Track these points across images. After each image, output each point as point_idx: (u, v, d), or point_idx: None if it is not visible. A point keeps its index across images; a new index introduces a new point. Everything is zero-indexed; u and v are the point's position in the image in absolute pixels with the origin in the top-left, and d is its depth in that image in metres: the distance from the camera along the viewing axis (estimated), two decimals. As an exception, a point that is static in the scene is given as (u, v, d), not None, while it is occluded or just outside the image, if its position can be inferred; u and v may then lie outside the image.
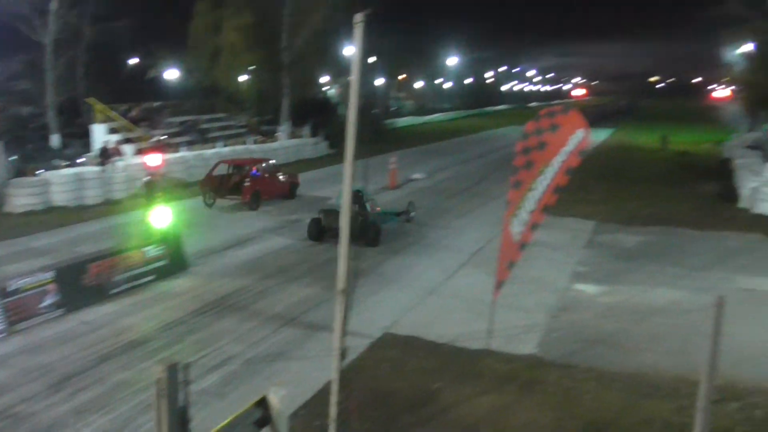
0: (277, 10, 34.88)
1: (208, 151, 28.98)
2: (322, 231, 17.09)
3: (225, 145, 31.04)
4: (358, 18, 5.44)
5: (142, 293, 12.95)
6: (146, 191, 20.20)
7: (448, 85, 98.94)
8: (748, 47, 31.25)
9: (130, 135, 28.47)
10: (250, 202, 21.39)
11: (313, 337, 10.84)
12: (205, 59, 35.56)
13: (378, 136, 43.46)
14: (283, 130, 36.41)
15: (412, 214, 19.90)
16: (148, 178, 20.84)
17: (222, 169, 22.90)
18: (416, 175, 28.96)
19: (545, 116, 9.78)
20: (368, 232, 16.50)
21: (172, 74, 38.66)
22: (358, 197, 16.21)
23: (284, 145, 34.38)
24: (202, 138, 32.75)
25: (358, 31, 5.52)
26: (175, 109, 36.03)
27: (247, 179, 21.80)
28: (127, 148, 26.31)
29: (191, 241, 15.53)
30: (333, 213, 16.46)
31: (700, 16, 28.18)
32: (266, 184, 22.37)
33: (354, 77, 5.57)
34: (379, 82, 73.76)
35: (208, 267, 14.88)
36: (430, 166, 32.59)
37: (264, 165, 22.98)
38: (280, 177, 23.42)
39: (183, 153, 28.14)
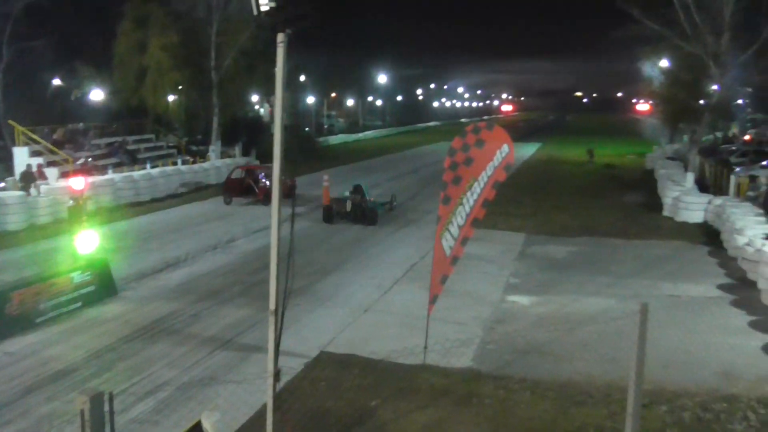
0: (204, 29, 34.53)
1: (137, 173, 28.37)
2: (332, 215, 22.53)
3: (154, 166, 30.42)
4: (281, 38, 5.45)
5: (69, 321, 12.52)
6: (71, 215, 19.56)
7: (379, 102, 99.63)
8: (665, 63, 32.53)
9: (54, 158, 27.65)
10: (264, 200, 24.73)
11: (248, 359, 10.68)
12: (132, 79, 34.85)
13: (310, 154, 43.41)
14: (214, 150, 35.93)
15: (395, 203, 24.98)
16: (72, 202, 20.20)
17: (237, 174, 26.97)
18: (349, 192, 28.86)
19: (471, 132, 9.95)
20: (368, 215, 22.07)
21: (97, 95, 37.74)
22: (359, 190, 23.35)
23: (215, 165, 33.91)
24: (130, 159, 32.04)
25: (281, 51, 5.53)
26: (102, 130, 35.18)
27: (261, 182, 25.77)
28: (51, 172, 25.53)
29: (121, 265, 15.15)
30: (341, 201, 22.66)
31: (619, 34, 29.08)
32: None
33: (277, 96, 5.58)
34: (311, 100, 73.85)
35: (140, 291, 14.51)
36: (364, 182, 32.56)
37: (269, 171, 25.63)
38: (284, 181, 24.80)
39: (110, 175, 27.45)
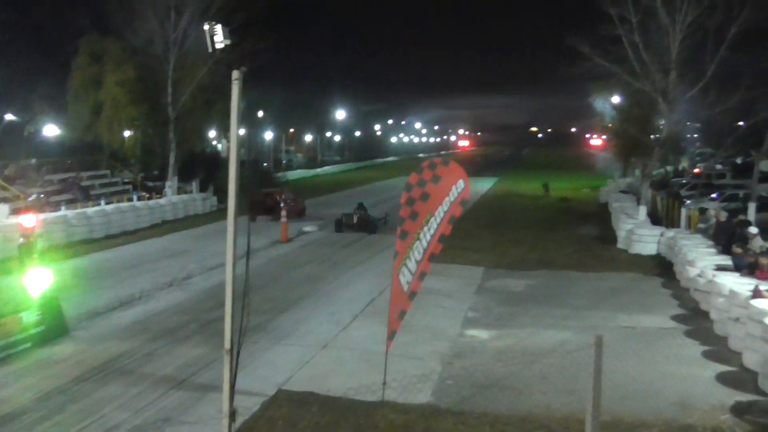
0: (160, 65, 34.37)
1: (90, 209, 27.87)
2: (342, 226, 28.19)
3: (108, 203, 29.95)
4: (235, 75, 5.45)
5: (18, 362, 12.11)
6: (21, 253, 19.08)
7: (338, 137, 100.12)
8: (616, 99, 33.39)
9: (5, 194, 27.05)
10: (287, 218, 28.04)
11: (203, 399, 10.45)
12: (87, 114, 34.42)
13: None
14: (170, 186, 35.56)
15: (388, 219, 28.63)
16: (23, 239, 19.73)
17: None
18: (308, 228, 28.86)
19: (427, 168, 10.03)
20: (370, 226, 27.61)
21: (51, 130, 37.15)
22: (363, 207, 29.23)
23: (172, 201, 33.56)
24: (84, 195, 31.50)
25: (236, 88, 5.52)
26: (55, 165, 34.59)
27: (282, 203, 29.85)
28: (1, 208, 24.95)
29: (73, 303, 14.79)
30: (348, 215, 28.40)
31: (572, 71, 29.77)
32: (289, 206, 30.27)
33: (232, 133, 5.55)
34: (269, 135, 73.83)
35: (92, 330, 14.16)
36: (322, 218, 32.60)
37: (288, 194, 33.20)
38: (297, 202, 33.50)
39: (63, 212, 26.92)
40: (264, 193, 32.79)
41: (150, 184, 38.05)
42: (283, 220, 26.26)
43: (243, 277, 7.62)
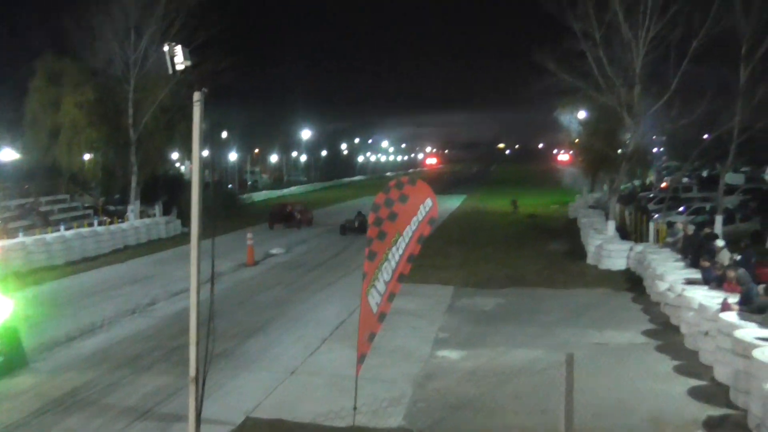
0: (120, 86, 34.08)
1: (50, 235, 27.40)
2: (346, 229, 34.07)
3: (68, 228, 29.48)
4: (197, 96, 5.42)
5: (-26, 397, 11.83)
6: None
7: (304, 157, 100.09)
8: (582, 114, 33.85)
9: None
10: (299, 226, 37.66)
11: (168, 430, 10.29)
12: (45, 137, 33.95)
13: (233, 212, 43.04)
14: (133, 209, 35.13)
15: None
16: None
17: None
18: (275, 250, 28.72)
19: (394, 187, 10.04)
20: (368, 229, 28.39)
21: (8, 154, 36.54)
22: (361, 214, 33.46)
23: (134, 225, 33.12)
24: (43, 221, 30.99)
25: (197, 108, 5.49)
26: (12, 191, 34.01)
27: (297, 213, 38.46)
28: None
29: (32, 333, 14.49)
30: (351, 221, 34.33)
31: (538, 86, 30.12)
32: (302, 216, 38.91)
33: (194, 155, 5.51)
34: (233, 156, 73.53)
35: (52, 361, 13.85)
36: (289, 240, 32.52)
37: (298, 206, 40.38)
38: (307, 213, 40.27)
39: (21, 238, 26.44)
40: (279, 205, 41.75)
41: (111, 208, 37.61)
42: (249, 242, 26.08)
43: (208, 302, 7.55)
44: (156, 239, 33.24)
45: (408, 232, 9.84)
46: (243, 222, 37.63)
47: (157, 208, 36.92)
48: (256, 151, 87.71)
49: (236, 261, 25.33)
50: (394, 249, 9.82)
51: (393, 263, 9.85)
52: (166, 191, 39.35)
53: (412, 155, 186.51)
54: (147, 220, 34.92)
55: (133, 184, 35.31)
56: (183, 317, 16.26)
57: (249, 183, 79.08)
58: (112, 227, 31.53)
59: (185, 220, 34.17)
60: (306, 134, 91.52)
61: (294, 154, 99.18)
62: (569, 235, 32.75)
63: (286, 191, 75.67)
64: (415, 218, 9.91)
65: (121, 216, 34.87)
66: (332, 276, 23.23)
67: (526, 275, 22.54)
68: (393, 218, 9.88)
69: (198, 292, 7.24)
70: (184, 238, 31.80)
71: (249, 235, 26.55)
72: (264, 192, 70.15)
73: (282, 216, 38.34)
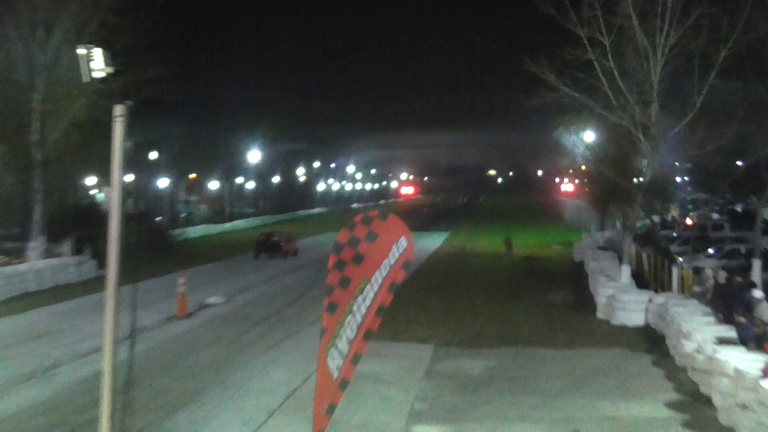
0: (23, 96, 33.80)
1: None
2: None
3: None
4: (119, 110, 5.33)
5: None
6: None
7: (251, 185, 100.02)
8: (590, 136, 34.10)
9: None
10: (285, 255, 46.04)
11: None
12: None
13: (162, 251, 42.68)
14: (35, 247, 34.65)
15: None
16: None
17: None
18: (212, 300, 28.49)
19: (361, 223, 9.95)
20: None
21: None
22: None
23: (36, 267, 32.63)
24: None
25: (119, 125, 5.40)
26: None
27: (282, 244, 47.12)
28: None
29: None
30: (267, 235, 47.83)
31: (534, 103, 29.96)
32: (287, 245, 47.41)
33: (114, 180, 5.39)
34: (164, 182, 73.17)
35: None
36: (230, 286, 32.33)
37: (284, 237, 49.21)
38: (292, 243, 48.87)
39: None
40: (265, 234, 49.43)
41: (8, 245, 37.05)
42: (180, 289, 25.80)
43: (126, 366, 7.39)
44: (63, 284, 32.82)
45: (377, 278, 9.71)
46: (174, 264, 37.33)
47: (67, 246, 36.50)
48: (193, 176, 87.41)
49: (164, 313, 25.04)
50: (360, 299, 9.68)
51: (358, 317, 9.71)
52: (78, 225, 38.92)
53: (384, 183, 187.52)
54: (53, 261, 34.48)
55: (37, 215, 34.87)
56: (92, 384, 15.94)
57: (183, 215, 78.76)
58: (8, 269, 31.11)
59: (101, 261, 33.79)
60: (255, 157, 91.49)
61: (239, 180, 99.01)
62: (574, 282, 32.92)
63: (228, 226, 75.44)
64: (386, 261, 9.79)
65: (19, 255, 34.38)
66: (282, 332, 23.04)
67: (522, 332, 22.51)
68: (359, 261, 9.77)
69: (113, 353, 7.06)
70: (98, 283, 31.17)
71: (180, 281, 26.25)
72: (201, 227, 69.93)
73: (268, 246, 46.51)
